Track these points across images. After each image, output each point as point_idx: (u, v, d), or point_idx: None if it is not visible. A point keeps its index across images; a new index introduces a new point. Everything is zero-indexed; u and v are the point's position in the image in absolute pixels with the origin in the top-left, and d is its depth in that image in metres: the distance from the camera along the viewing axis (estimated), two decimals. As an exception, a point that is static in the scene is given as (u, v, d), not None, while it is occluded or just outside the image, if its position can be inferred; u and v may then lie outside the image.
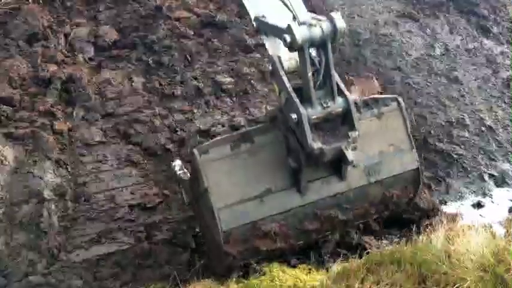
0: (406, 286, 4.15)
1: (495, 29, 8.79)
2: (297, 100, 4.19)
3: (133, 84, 7.04)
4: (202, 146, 4.60)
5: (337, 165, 4.60)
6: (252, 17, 5.02)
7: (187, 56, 7.53)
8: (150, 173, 6.07)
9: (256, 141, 4.56)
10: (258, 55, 7.83)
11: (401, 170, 5.02)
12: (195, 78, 7.25)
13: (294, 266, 5.61)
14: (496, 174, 6.84)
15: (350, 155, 4.28)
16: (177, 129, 6.60)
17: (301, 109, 4.15)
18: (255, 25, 5.01)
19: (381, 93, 7.84)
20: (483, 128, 7.17)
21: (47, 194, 5.50)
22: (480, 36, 8.66)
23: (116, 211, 5.57)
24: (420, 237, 5.19)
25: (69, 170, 5.95)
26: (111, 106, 6.69)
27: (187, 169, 5.08)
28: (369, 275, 4.43)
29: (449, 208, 6.20)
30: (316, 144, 4.15)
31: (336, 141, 4.27)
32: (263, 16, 4.87)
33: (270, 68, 4.55)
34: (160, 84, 7.09)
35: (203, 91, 7.11)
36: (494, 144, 7.05)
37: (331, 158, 4.33)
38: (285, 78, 4.34)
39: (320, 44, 4.16)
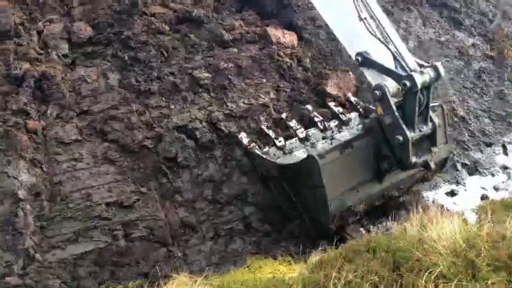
0: (381, 273, 4.21)
1: (466, 22, 8.97)
2: (404, 127, 5.50)
3: (108, 81, 6.95)
4: (318, 151, 6.19)
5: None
6: (350, 51, 6.18)
7: (164, 51, 7.45)
8: (128, 170, 6.04)
9: (354, 146, 5.93)
10: (235, 50, 7.82)
11: (439, 158, 6.30)
12: (172, 74, 7.20)
13: (275, 258, 5.71)
14: (468, 163, 7.02)
15: (432, 164, 5.82)
16: (154, 125, 6.56)
17: (408, 134, 5.49)
18: (359, 60, 6.02)
19: (357, 87, 7.96)
20: (456, 119, 7.33)
21: (22, 194, 5.44)
22: (452, 29, 8.84)
23: (92, 209, 5.53)
24: (395, 225, 5.31)
25: (44, 169, 5.87)
26: (86, 104, 6.61)
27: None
28: (346, 264, 4.49)
29: (424, 196, 6.35)
30: (413, 159, 5.60)
31: (424, 156, 5.75)
32: (366, 52, 5.92)
33: (378, 95, 5.64)
34: (137, 81, 7.01)
35: (180, 87, 7.07)
36: (466, 134, 7.23)
37: (418, 166, 5.78)
38: (394, 107, 5.55)
39: (426, 87, 5.56)
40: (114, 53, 7.32)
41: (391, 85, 5.67)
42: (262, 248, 6.05)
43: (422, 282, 4.02)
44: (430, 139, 5.83)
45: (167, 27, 7.80)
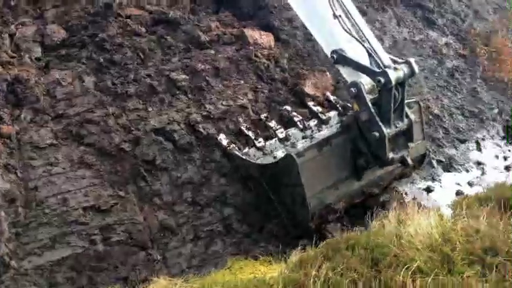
0: (360, 270, 4.28)
1: (440, 21, 9.17)
2: (380, 123, 5.57)
3: (84, 83, 6.85)
4: (296, 150, 6.15)
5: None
6: (327, 50, 6.21)
7: (140, 53, 7.39)
8: (105, 174, 5.96)
9: (332, 144, 5.96)
10: (212, 51, 7.81)
11: (416, 154, 6.46)
12: (149, 76, 7.14)
13: (256, 259, 5.72)
14: (443, 160, 7.17)
15: (409, 160, 5.92)
16: (131, 128, 6.50)
17: (384, 130, 5.57)
18: (334, 57, 6.07)
19: (334, 86, 8.04)
20: (430, 117, 7.48)
21: (-5, 200, 5.31)
22: (426, 29, 9.02)
23: (69, 214, 5.44)
24: (374, 222, 5.38)
25: (18, 174, 5.75)
26: (61, 107, 6.50)
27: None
28: (326, 262, 4.54)
29: (401, 193, 6.45)
30: (390, 155, 5.69)
31: (400, 152, 5.83)
32: (341, 50, 5.97)
33: (354, 92, 5.71)
34: (113, 83, 6.94)
35: (157, 89, 7.02)
36: (441, 132, 7.37)
37: (395, 162, 5.85)
38: (369, 103, 5.61)
39: (400, 83, 5.63)
40: (89, 55, 7.22)
41: (366, 82, 5.74)
42: (242, 249, 6.05)
43: (400, 277, 4.09)
44: (406, 135, 5.92)
45: (143, 29, 7.74)
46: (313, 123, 7.18)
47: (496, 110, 8.89)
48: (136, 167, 6.18)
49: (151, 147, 6.36)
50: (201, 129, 6.73)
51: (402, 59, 5.94)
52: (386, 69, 5.53)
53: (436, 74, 8.16)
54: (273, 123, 7.05)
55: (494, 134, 8.56)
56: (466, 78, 8.85)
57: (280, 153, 6.60)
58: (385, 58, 5.80)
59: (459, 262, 4.29)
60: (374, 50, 5.83)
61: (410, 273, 4.14)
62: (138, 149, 6.30)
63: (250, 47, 8.00)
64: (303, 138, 6.94)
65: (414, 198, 6.33)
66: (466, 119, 8.41)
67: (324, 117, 7.24)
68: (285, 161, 5.83)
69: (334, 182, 6.00)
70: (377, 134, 5.61)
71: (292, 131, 7.03)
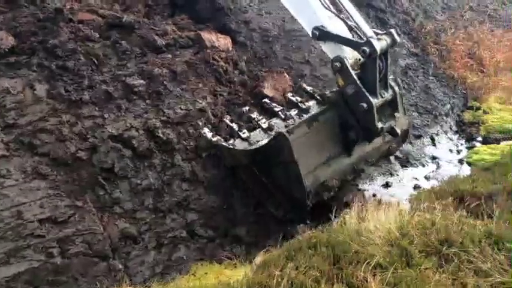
0: (322, 268, 4.33)
1: (392, 21, 9.44)
2: (367, 94, 5.64)
3: (35, 91, 6.59)
4: (287, 128, 6.05)
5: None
6: (307, 27, 6.25)
7: (94, 59, 7.20)
8: (61, 184, 5.76)
9: (321, 120, 6.03)
10: (169, 55, 7.71)
11: (400, 129, 6.47)
12: (104, 82, 6.96)
13: (221, 263, 5.69)
14: (401, 156, 7.37)
15: (398, 129, 6.05)
16: (87, 136, 6.32)
17: (372, 101, 5.64)
18: (316, 34, 6.15)
19: (293, 86, 8.12)
20: (386, 114, 7.68)
21: None
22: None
23: (24, 228, 5.22)
24: (336, 220, 5.48)
25: (-33, 189, 5.47)
26: (11, 117, 6.21)
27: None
28: (289, 262, 4.58)
29: (360, 189, 6.59)
30: (379, 124, 5.75)
31: (388, 121, 5.93)
32: (322, 26, 6.05)
33: (338, 66, 5.84)
34: (67, 91, 6.71)
35: (114, 95, 6.86)
36: (397, 128, 7.56)
37: (384, 132, 5.93)
38: (354, 76, 5.71)
39: (383, 53, 5.77)
40: (40, 62, 6.95)
41: (348, 57, 5.87)
42: (207, 254, 6.01)
43: (361, 273, 4.18)
44: (391, 106, 6.06)
45: (96, 34, 7.54)
46: (294, 112, 7.27)
47: (448, 106, 9.24)
48: (94, 175, 6.01)
49: (109, 154, 6.21)
50: (161, 135, 6.64)
51: (382, 30, 6.15)
52: (371, 39, 5.67)
53: (391, 72, 8.38)
54: (255, 114, 7.10)
55: (447, 129, 8.90)
56: (418, 75, 9.16)
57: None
58: (368, 30, 6.00)
59: (417, 255, 4.43)
60: (357, 23, 5.96)
61: (370, 268, 4.24)
62: (95, 157, 6.13)
63: (208, 50, 7.96)
64: (286, 127, 6.89)
65: (374, 195, 6.48)
66: (420, 115, 8.71)
67: (303, 107, 7.35)
68: (276, 141, 5.84)
69: (327, 158, 6.04)
70: (365, 105, 5.69)
71: (275, 120, 7.12)
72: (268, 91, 7.92)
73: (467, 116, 9.11)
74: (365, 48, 5.64)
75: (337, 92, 6.09)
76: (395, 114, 6.11)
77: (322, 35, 6.12)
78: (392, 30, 6.01)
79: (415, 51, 9.84)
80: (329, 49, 6.19)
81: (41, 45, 7.05)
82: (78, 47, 7.23)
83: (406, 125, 6.89)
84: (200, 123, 6.96)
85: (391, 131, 6.07)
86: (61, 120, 6.34)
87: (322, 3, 6.07)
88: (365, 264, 4.26)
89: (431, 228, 4.75)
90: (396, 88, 6.14)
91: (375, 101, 5.75)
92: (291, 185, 5.92)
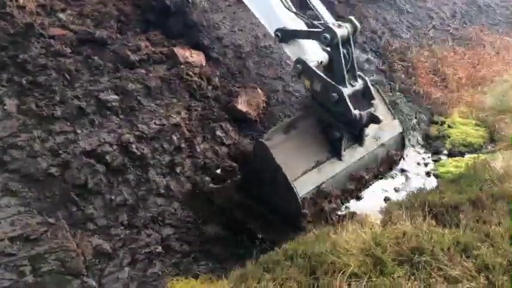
0: (298, 279, 4.41)
1: (360, 39, 9.78)
2: (334, 83, 5.54)
3: (5, 107, 6.47)
4: (264, 136, 5.87)
5: (358, 135, 6.06)
6: (270, 29, 6.23)
7: (66, 74, 7.14)
8: (32, 201, 5.65)
9: (298, 128, 5.87)
10: (142, 71, 7.73)
11: (392, 134, 6.58)
12: (77, 98, 6.91)
13: (197, 278, 5.67)
14: (371, 169, 7.53)
15: (380, 116, 5.75)
16: (59, 152, 6.23)
17: (342, 88, 5.53)
18: (279, 35, 6.12)
19: (266, 102, 8.27)
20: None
21: None
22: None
23: (-7, 246, 5.08)
24: (312, 232, 5.57)
25: None
26: (-20, 133, 6.09)
27: None
28: (265, 274, 4.64)
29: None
30: (356, 112, 5.54)
31: (366, 109, 5.70)
32: (284, 27, 6.03)
33: (300, 67, 5.77)
34: (37, 106, 6.62)
35: (86, 110, 6.81)
36: (367, 142, 7.78)
37: (365, 120, 5.70)
38: (318, 71, 5.65)
39: (346, 40, 5.71)
40: (10, 77, 6.85)
41: (310, 59, 5.83)
42: (182, 269, 5.97)
43: (336, 282, 4.27)
44: (365, 96, 5.91)
45: (68, 49, 7.50)
46: None
47: (414, 121, 9.59)
48: (67, 191, 5.92)
49: (82, 170, 6.13)
50: (135, 150, 6.62)
51: (344, 19, 6.14)
52: (330, 25, 5.64)
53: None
54: None
55: (414, 143, 9.20)
56: (386, 91, 9.48)
57: None
58: (330, 19, 6.10)
59: (390, 263, 4.57)
60: (318, 12, 6.02)
61: (346, 277, 4.35)
62: (67, 173, 6.05)
63: (182, 66, 8.03)
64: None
65: (346, 207, 6.63)
66: (388, 129, 8.98)
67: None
68: (256, 151, 5.75)
69: (315, 163, 5.77)
70: (335, 94, 5.54)
71: None
72: (242, 106, 8.03)
73: (433, 130, 9.44)
74: (325, 34, 5.56)
75: (307, 97, 6.13)
76: (372, 101, 5.88)
77: (285, 36, 6.09)
78: (352, 18, 5.92)
79: (383, 68, 10.20)
80: (291, 51, 6.14)
81: (11, 60, 6.95)
82: (50, 62, 7.17)
83: (398, 128, 6.68)
84: (175, 138, 6.98)
85: (373, 118, 5.75)
86: (32, 136, 6.24)
87: (283, 3, 6.04)
88: (340, 273, 4.37)
89: (403, 238, 4.91)
90: (366, 78, 6.01)
91: (345, 90, 5.60)
92: (281, 194, 5.67)
